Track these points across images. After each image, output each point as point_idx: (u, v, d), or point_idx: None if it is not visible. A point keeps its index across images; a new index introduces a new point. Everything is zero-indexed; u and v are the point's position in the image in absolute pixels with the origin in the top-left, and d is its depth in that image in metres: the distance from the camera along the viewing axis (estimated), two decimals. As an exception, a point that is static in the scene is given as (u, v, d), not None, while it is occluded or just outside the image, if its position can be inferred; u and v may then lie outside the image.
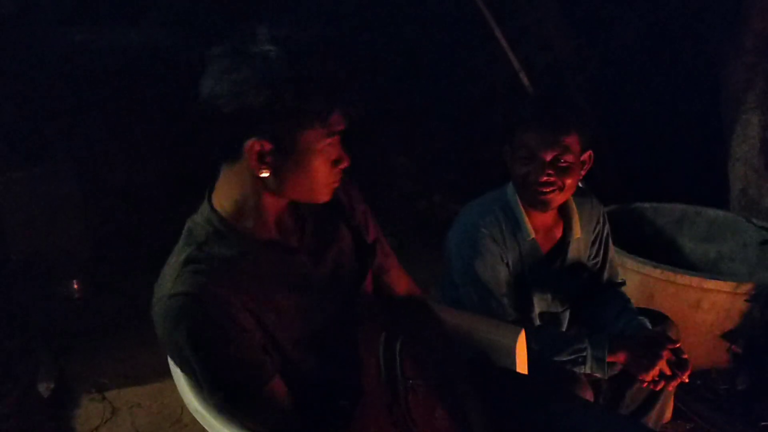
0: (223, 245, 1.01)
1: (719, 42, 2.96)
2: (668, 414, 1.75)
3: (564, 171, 1.49)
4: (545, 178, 1.49)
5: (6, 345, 2.36)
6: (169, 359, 1.10)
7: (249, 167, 0.97)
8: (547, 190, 1.50)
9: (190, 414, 1.11)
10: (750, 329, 2.24)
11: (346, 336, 1.11)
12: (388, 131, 3.88)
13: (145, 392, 2.26)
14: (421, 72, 4.00)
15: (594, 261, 1.73)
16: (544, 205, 1.55)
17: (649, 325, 1.60)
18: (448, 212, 3.53)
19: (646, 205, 2.82)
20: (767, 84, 2.81)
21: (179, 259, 0.99)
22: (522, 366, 1.47)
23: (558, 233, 1.68)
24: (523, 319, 1.59)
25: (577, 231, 1.66)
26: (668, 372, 1.45)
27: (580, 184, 1.59)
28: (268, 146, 0.95)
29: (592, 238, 1.71)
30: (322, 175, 1.02)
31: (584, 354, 1.51)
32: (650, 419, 1.68)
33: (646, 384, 1.48)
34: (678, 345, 1.48)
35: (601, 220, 1.72)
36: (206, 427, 1.11)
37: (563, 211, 1.66)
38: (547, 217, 1.64)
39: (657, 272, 2.25)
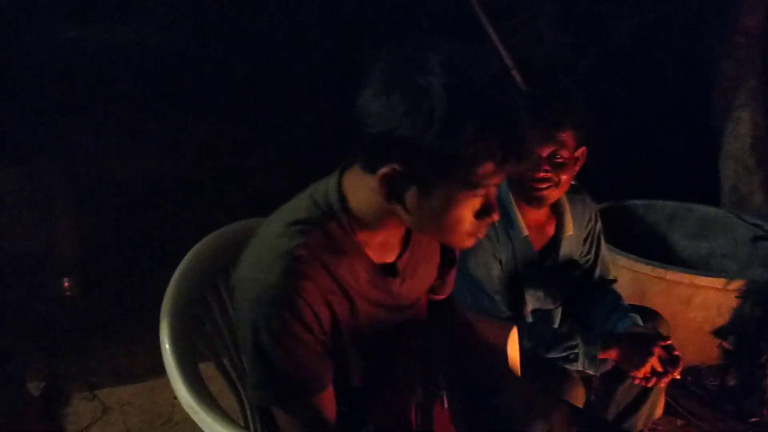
0: (334, 238, 0.96)
1: (711, 39, 2.97)
2: (659, 410, 1.76)
3: (560, 167, 1.49)
4: (542, 174, 1.49)
5: (-4, 343, 2.35)
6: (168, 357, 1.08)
7: (378, 190, 0.90)
8: (544, 186, 1.50)
9: (182, 412, 1.10)
10: (740, 326, 2.26)
11: (393, 344, 1.10)
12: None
13: (136, 391, 2.25)
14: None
15: (586, 258, 1.73)
16: (539, 202, 1.55)
17: (641, 322, 1.60)
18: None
19: (638, 202, 2.83)
20: (758, 81, 2.82)
21: (287, 247, 0.92)
22: (514, 363, 1.47)
23: (550, 230, 1.67)
24: (515, 316, 1.59)
25: (569, 228, 1.66)
26: (660, 369, 1.46)
27: (572, 182, 1.59)
28: (401, 178, 0.87)
29: (585, 235, 1.72)
30: (461, 225, 0.92)
31: (576, 351, 1.52)
32: (641, 416, 1.68)
33: (637, 381, 1.49)
34: (669, 342, 1.49)
35: (594, 218, 1.72)
36: (199, 423, 1.10)
37: (556, 209, 1.66)
38: (540, 214, 1.64)
39: (648, 269, 2.26)
